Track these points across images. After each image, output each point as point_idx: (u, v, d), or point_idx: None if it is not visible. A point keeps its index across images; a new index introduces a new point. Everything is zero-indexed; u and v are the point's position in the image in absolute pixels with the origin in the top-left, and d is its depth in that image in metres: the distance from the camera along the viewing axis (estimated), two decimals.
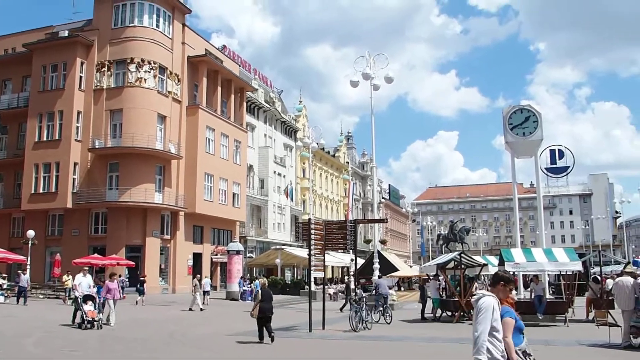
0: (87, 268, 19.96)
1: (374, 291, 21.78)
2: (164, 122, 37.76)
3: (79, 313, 16.63)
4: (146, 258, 35.46)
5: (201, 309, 23.99)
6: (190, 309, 23.77)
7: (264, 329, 13.60)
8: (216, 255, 42.02)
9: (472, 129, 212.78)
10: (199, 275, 27.94)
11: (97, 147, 36.14)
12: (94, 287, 18.41)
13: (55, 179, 36.54)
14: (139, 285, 28.04)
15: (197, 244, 40.72)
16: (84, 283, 17.52)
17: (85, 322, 15.99)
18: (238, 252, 35.29)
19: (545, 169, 23.28)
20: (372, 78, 26.78)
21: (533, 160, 22.68)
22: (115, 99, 36.59)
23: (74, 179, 36.43)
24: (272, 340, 13.45)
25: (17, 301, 25.88)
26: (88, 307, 16.23)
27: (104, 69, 37.10)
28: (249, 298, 33.13)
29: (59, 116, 36.90)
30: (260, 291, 14.27)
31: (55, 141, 36.67)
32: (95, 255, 32.51)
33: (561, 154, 23.36)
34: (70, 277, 27.23)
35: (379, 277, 24.07)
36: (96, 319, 16.23)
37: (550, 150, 23.53)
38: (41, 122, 37.27)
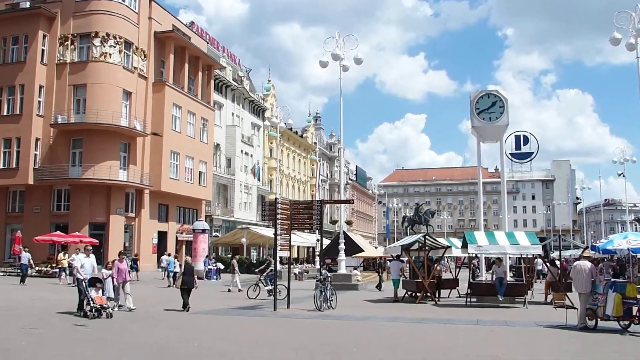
0: (90, 247, 16.83)
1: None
2: (130, 99, 37.05)
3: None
4: (110, 236, 35.01)
5: (239, 290, 23.60)
6: (229, 290, 23.92)
7: (188, 297, 15.72)
8: (182, 234, 41.76)
9: (439, 112, 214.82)
10: (237, 257, 28.07)
11: (59, 122, 35.29)
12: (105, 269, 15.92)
13: (16, 154, 35.65)
14: (132, 264, 27.81)
15: (163, 222, 40.38)
16: (87, 264, 15.06)
17: (93, 310, 13.62)
18: (204, 231, 35.12)
19: (510, 154, 23.66)
20: (341, 59, 26.76)
21: (498, 145, 23.00)
22: (79, 74, 35.67)
23: (35, 154, 35.57)
24: (187, 310, 15.45)
25: (23, 282, 25.08)
26: (95, 292, 13.95)
27: (67, 42, 36.08)
28: (214, 277, 33.16)
29: (20, 90, 35.86)
30: (183, 266, 16.68)
31: (16, 116, 35.69)
32: (58, 232, 31.93)
33: (526, 140, 23.77)
34: (67, 255, 26.61)
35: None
36: (105, 305, 13.96)
37: (516, 135, 23.91)
38: (1, 95, 36.26)
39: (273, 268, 22.28)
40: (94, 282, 14.25)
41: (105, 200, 35.53)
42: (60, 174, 34.91)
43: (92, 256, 15.63)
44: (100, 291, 14.03)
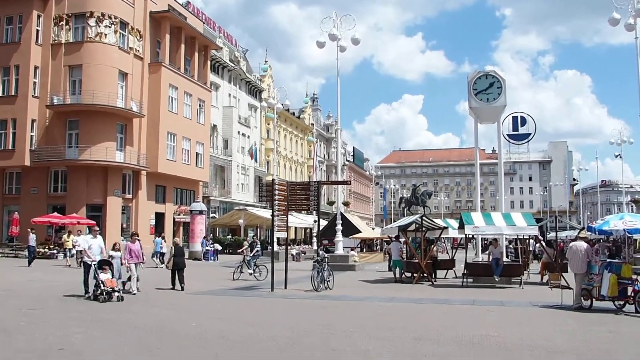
0: (97, 228, 16.50)
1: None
2: (126, 80, 36.80)
3: (91, 281, 13.97)
4: (107, 217, 35.02)
5: (250, 273, 22.81)
6: (241, 272, 23.46)
7: (177, 278, 16.37)
8: (179, 215, 41.80)
9: (436, 93, 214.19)
10: (250, 238, 27.26)
11: (55, 103, 35.08)
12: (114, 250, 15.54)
13: (12, 136, 35.50)
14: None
15: (160, 203, 40.39)
16: (94, 246, 14.50)
17: (104, 293, 13.18)
18: (201, 212, 35.22)
19: (507, 135, 23.59)
20: (338, 39, 26.56)
21: (496, 127, 22.95)
22: (74, 55, 35.36)
23: (31, 136, 35.42)
24: (183, 289, 16.07)
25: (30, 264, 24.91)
26: (105, 275, 13.50)
27: (62, 22, 35.70)
28: (212, 258, 33.28)
29: (15, 71, 35.56)
30: (172, 247, 17.13)
31: (12, 97, 35.45)
32: (55, 214, 31.94)
33: (523, 121, 23.68)
34: (72, 237, 26.53)
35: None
36: (116, 288, 13.52)
37: (513, 117, 23.81)
38: None
39: (258, 249, 22.43)
40: (103, 264, 13.82)
41: (102, 181, 35.45)
42: (56, 156, 34.79)
43: (100, 237, 15.14)
44: (109, 273, 13.63)
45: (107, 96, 34.54)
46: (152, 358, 7.73)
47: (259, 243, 22.33)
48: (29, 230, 27.38)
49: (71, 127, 35.63)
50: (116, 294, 13.36)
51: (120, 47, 36.34)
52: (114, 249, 15.50)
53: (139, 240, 15.93)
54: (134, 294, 14.76)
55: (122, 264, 14.95)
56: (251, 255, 21.48)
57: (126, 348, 8.34)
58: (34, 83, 35.49)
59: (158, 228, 37.47)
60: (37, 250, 30.17)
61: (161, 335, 9.49)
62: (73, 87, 35.47)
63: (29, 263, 25.04)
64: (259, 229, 50.40)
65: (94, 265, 13.68)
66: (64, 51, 35.51)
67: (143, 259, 15.89)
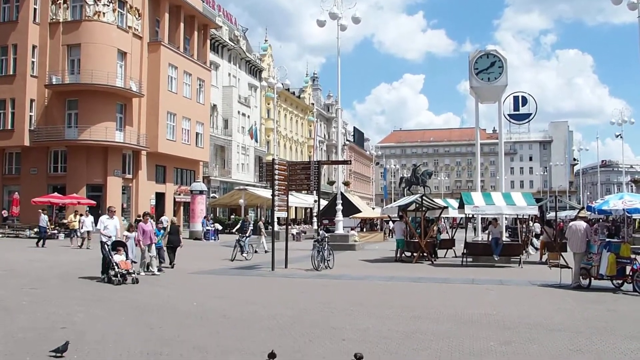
0: (114, 209, 15.54)
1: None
2: (125, 59, 36.58)
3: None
4: (108, 197, 35.04)
5: (265, 251, 22.64)
6: (255, 251, 22.74)
7: (174, 256, 16.69)
8: (179, 195, 41.87)
9: (437, 72, 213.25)
10: (262, 219, 26.81)
11: (54, 83, 34.93)
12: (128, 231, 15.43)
13: (11, 115, 35.44)
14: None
15: (160, 183, 40.43)
16: (110, 226, 13.95)
17: (118, 275, 12.82)
18: (201, 192, 35.24)
19: (508, 115, 23.52)
20: (339, 18, 26.35)
21: (496, 106, 22.87)
22: (72, 34, 35.11)
23: (30, 116, 35.35)
24: (172, 266, 16.39)
25: (38, 244, 24.74)
26: (119, 256, 13.14)
27: (59, 1, 35.43)
28: (212, 238, 33.39)
29: (13, 50, 35.37)
30: (169, 226, 17.61)
31: (10, 76, 35.30)
32: (55, 194, 32.00)
33: (524, 101, 23.58)
34: (79, 217, 26.45)
35: None
36: (130, 270, 13.17)
37: (514, 96, 23.70)
38: None
39: (251, 227, 22.28)
40: (118, 245, 13.49)
41: (102, 161, 35.45)
42: (56, 135, 34.72)
43: (116, 217, 14.61)
44: (124, 255, 13.30)
45: (106, 76, 34.35)
46: (153, 336, 7.74)
47: (251, 222, 22.18)
48: (39, 210, 27.48)
49: (70, 107, 35.49)
50: (131, 276, 13.09)
51: (118, 26, 36.06)
52: (129, 230, 15.38)
53: (151, 220, 15.64)
54: (157, 274, 14.85)
55: (136, 245, 14.79)
56: (246, 235, 21.02)
57: (128, 327, 8.37)
58: (32, 62, 35.29)
59: (159, 208, 37.54)
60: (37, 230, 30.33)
61: (163, 314, 9.53)
62: (72, 66, 35.27)
63: (40, 243, 24.72)
64: (259, 209, 50.47)
65: (108, 246, 13.29)
66: (62, 30, 35.24)
67: (155, 240, 15.51)
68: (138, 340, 7.46)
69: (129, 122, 36.93)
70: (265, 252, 22.04)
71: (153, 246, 15.30)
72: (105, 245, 13.31)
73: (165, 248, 16.61)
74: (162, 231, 16.85)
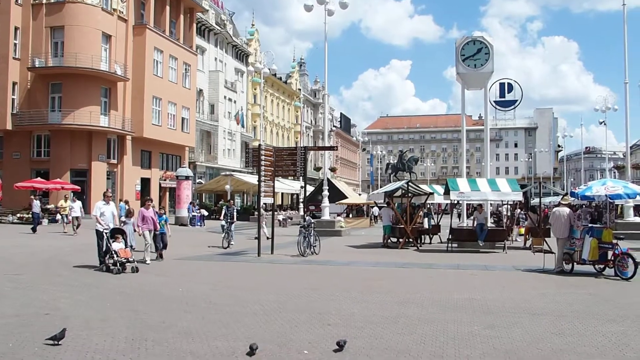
0: (110, 194, 14.57)
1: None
2: (109, 42, 36.08)
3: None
4: (92, 183, 34.80)
5: (267, 238, 21.48)
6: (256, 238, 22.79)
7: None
8: (165, 180, 41.61)
9: (424, 59, 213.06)
10: (264, 205, 25.35)
11: (37, 66, 34.38)
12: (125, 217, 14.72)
13: None
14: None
15: (145, 169, 40.14)
16: (107, 212, 13.21)
17: (117, 264, 12.24)
18: (187, 178, 35.04)
19: (494, 101, 23.61)
20: (326, 2, 26.16)
21: (483, 93, 22.95)
22: (56, 15, 34.50)
23: (13, 99, 34.81)
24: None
25: (34, 230, 24.20)
26: (118, 244, 12.58)
27: None
28: (199, 223, 33.28)
29: None
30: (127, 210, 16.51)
31: None
32: (39, 179, 31.65)
33: (510, 88, 23.69)
34: (70, 201, 26.10)
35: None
36: (130, 259, 12.57)
37: (500, 83, 23.79)
38: None
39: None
40: (116, 233, 12.87)
41: (86, 146, 35.09)
42: (39, 120, 34.27)
43: (112, 203, 13.82)
44: (122, 243, 12.76)
45: (91, 59, 33.87)
46: (138, 322, 7.73)
47: (234, 208, 21.66)
48: (32, 197, 27.15)
49: (54, 91, 35.01)
50: (131, 264, 12.49)
51: (103, 9, 35.50)
52: (127, 215, 14.90)
53: (153, 207, 15.05)
54: (148, 264, 13.98)
55: (134, 231, 14.34)
56: (232, 221, 20.47)
57: (113, 313, 8.34)
58: (15, 44, 34.67)
59: (144, 193, 37.30)
60: (21, 215, 30.06)
61: (148, 300, 9.48)
62: (55, 49, 34.72)
63: (33, 229, 24.24)
64: (245, 195, 50.38)
65: (106, 234, 12.65)
66: (45, 12, 34.61)
67: (157, 227, 14.78)
68: (123, 326, 7.41)
69: (114, 107, 36.52)
70: (267, 238, 21.78)
71: (148, 234, 14.48)
72: (104, 233, 12.71)
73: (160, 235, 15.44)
74: (165, 217, 15.88)
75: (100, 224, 12.92)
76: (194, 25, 46.08)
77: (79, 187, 32.23)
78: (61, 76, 34.54)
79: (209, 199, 48.37)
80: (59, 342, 6.28)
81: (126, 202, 24.17)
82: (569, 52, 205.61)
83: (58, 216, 26.80)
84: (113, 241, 12.63)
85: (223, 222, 20.79)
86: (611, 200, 22.43)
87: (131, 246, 13.57)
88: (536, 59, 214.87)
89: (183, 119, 43.26)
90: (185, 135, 43.73)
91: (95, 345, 6.44)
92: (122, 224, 13.97)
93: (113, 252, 12.39)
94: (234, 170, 47.83)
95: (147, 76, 38.38)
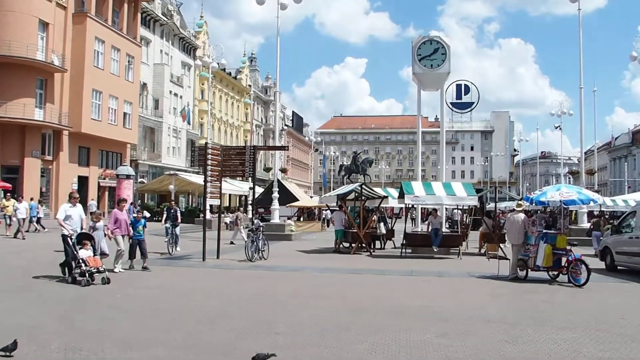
0: (77, 195, 12.68)
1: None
2: (47, 30, 34.49)
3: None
4: (25, 180, 33.23)
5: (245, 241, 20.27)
6: (231, 242, 21.64)
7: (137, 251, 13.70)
8: (104, 179, 40.26)
9: (380, 57, 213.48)
10: (241, 209, 23.64)
11: None
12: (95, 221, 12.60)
13: None
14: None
15: (83, 166, 38.62)
16: (74, 216, 11.75)
17: (86, 274, 10.81)
18: (128, 177, 34.09)
19: (451, 103, 23.57)
20: None
21: (439, 94, 22.78)
22: None
23: None
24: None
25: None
26: (86, 252, 11.20)
27: None
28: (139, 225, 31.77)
29: None
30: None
31: None
32: None
33: (467, 90, 23.68)
34: (12, 201, 23.73)
35: None
36: (101, 269, 11.15)
37: (457, 85, 23.75)
38: None
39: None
40: (84, 238, 11.45)
41: (19, 141, 33.45)
42: None
43: (79, 205, 12.19)
44: (90, 250, 11.36)
45: (26, 47, 32.26)
46: (74, 330, 7.34)
47: (177, 209, 20.17)
48: None
49: None
50: (101, 274, 11.12)
51: None
52: (93, 219, 12.93)
53: (130, 208, 13.33)
54: (116, 272, 12.50)
55: (105, 235, 12.66)
56: (177, 223, 18.77)
57: (47, 320, 7.93)
58: None
59: (82, 193, 35.44)
60: None
61: (84, 307, 9.05)
62: None
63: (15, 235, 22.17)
64: (190, 196, 49.05)
65: (72, 240, 11.20)
66: None
67: (130, 232, 13.34)
68: (56, 334, 7.07)
69: (50, 99, 34.97)
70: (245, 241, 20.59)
71: (126, 238, 13.17)
72: (69, 239, 11.21)
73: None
74: (143, 221, 14.17)
75: (64, 227, 11.39)
76: (139, 15, 44.55)
77: (10, 185, 30.31)
78: None
79: (152, 200, 46.78)
80: (12, 354, 5.95)
81: (39, 202, 22.17)
82: (526, 55, 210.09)
83: (15, 218, 24.34)
84: (80, 248, 11.22)
85: (167, 225, 19.22)
86: (565, 206, 22.52)
87: (102, 253, 12.08)
88: (493, 60, 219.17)
89: (125, 114, 41.71)
90: (127, 131, 42.14)
91: (25, 355, 6.06)
92: (90, 230, 12.29)
93: (81, 262, 10.95)
94: (178, 170, 46.52)
95: (87, 68, 36.85)
